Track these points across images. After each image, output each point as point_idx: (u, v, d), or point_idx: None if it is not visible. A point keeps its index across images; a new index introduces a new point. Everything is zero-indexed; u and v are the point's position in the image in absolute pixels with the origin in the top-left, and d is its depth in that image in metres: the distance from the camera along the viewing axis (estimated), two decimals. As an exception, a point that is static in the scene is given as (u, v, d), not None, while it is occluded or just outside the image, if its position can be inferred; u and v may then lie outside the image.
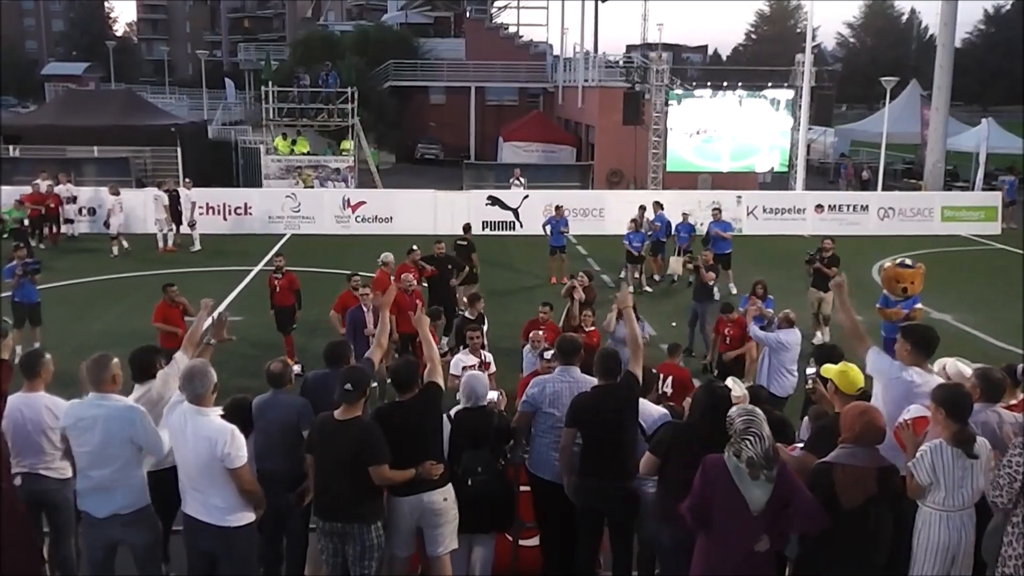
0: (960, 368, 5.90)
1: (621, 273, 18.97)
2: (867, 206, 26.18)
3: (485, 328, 10.74)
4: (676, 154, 28.15)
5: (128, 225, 22.44)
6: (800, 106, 27.55)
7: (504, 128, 41.42)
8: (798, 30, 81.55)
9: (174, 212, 21.92)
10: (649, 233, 18.81)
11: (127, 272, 19.17)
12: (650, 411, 6.30)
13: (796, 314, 10.62)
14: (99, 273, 19.20)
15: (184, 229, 22.14)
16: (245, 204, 24.77)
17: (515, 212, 24.90)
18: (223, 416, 5.32)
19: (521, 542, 6.68)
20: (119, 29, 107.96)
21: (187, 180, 23.71)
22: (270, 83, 29.80)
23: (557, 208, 19.60)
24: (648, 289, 18.37)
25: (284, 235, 23.70)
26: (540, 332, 9.87)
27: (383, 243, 16.13)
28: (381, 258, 13.04)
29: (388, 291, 7.06)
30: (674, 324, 14.78)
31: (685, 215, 19.29)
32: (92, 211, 23.63)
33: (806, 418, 6.61)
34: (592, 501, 5.91)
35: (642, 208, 19.45)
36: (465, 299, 12.55)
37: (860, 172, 36.67)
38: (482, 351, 9.70)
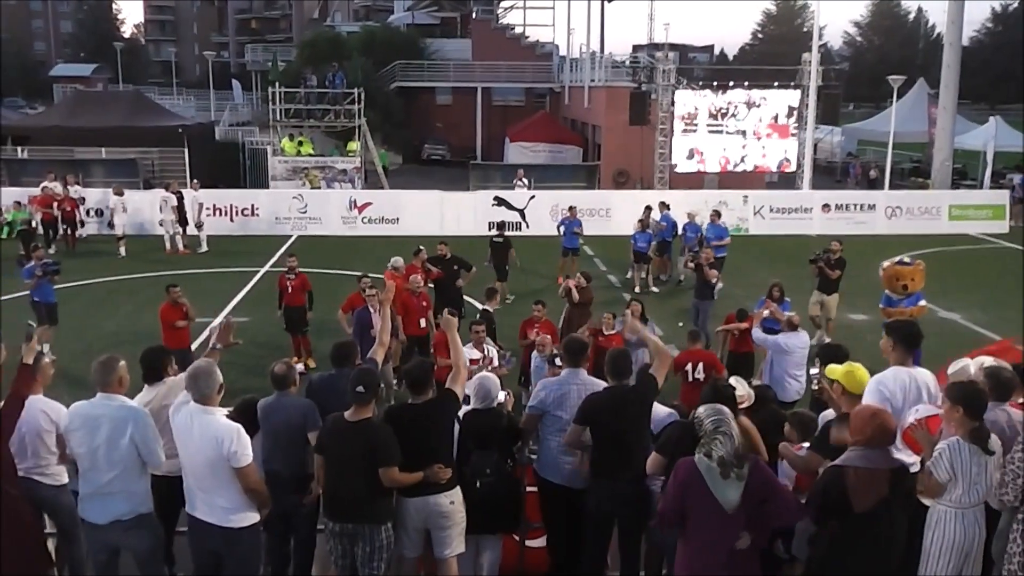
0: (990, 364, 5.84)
1: (627, 273, 18.95)
2: (874, 205, 26.10)
3: (494, 327, 10.77)
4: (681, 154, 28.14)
5: (135, 226, 22.52)
6: (807, 105, 27.51)
7: (510, 128, 41.38)
8: (805, 29, 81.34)
9: (180, 214, 21.99)
10: (655, 234, 18.80)
11: (135, 273, 19.23)
12: (657, 411, 6.28)
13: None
14: (106, 274, 19.26)
15: (191, 231, 22.21)
16: (252, 205, 24.80)
17: (521, 212, 24.92)
18: (229, 416, 5.34)
19: (527, 543, 6.67)
20: (127, 30, 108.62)
21: (195, 181, 23.79)
22: (277, 84, 29.87)
23: (571, 209, 19.57)
24: (654, 289, 18.35)
25: (291, 236, 23.75)
26: (547, 337, 9.85)
27: (390, 244, 16.17)
28: (391, 262, 13.03)
29: (388, 287, 7.02)
30: (681, 324, 14.75)
31: (691, 215, 19.26)
32: (99, 212, 23.73)
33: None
34: (603, 502, 5.88)
35: (648, 208, 19.42)
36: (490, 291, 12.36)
37: (867, 171, 36.60)
38: (485, 345, 9.72)
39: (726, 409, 4.79)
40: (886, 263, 12.68)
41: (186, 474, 5.31)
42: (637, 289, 17.99)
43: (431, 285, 13.41)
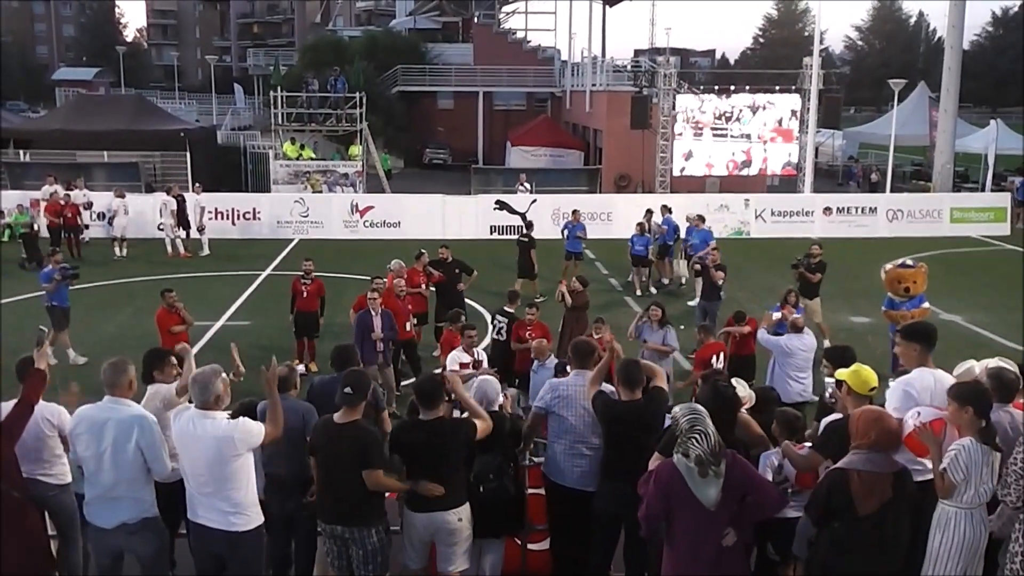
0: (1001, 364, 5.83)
1: (629, 276, 18.94)
2: (876, 208, 26.06)
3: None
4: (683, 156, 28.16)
5: (137, 229, 22.54)
6: (809, 109, 27.52)
7: (512, 132, 41.41)
8: (806, 33, 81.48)
9: (181, 217, 22.02)
10: (656, 237, 18.76)
11: (136, 277, 19.25)
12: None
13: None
14: (109, 277, 19.26)
15: (193, 234, 22.24)
16: (254, 209, 24.81)
17: (523, 216, 24.86)
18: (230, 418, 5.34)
19: (529, 546, 6.66)
20: (129, 34, 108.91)
21: (197, 185, 23.81)
22: (279, 88, 29.86)
23: (574, 212, 19.53)
24: (653, 291, 18.31)
25: (292, 240, 23.76)
26: (543, 341, 9.87)
27: (391, 248, 16.15)
28: (391, 265, 13.00)
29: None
30: (683, 327, 14.73)
31: (690, 219, 19.20)
32: (101, 216, 23.75)
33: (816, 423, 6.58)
34: (611, 505, 5.86)
35: (649, 212, 19.39)
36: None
37: (869, 174, 36.63)
38: (474, 349, 9.79)
39: (701, 408, 4.80)
40: (888, 266, 12.67)
41: (188, 481, 5.29)
42: (638, 292, 17.99)
43: (433, 289, 13.42)
